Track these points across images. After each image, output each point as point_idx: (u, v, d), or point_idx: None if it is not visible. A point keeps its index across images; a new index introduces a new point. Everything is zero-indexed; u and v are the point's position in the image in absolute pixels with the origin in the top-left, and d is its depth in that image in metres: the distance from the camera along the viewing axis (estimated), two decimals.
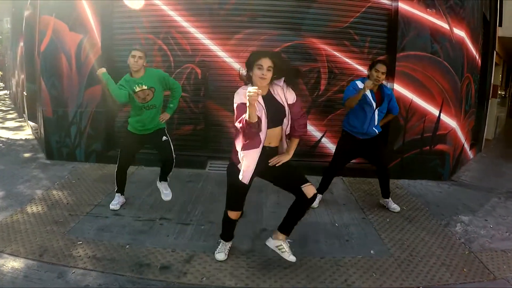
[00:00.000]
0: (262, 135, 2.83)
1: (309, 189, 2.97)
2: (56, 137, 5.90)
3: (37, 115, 6.95)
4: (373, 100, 4.19)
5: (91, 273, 3.05)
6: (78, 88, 5.71)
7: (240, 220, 3.89)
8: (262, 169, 2.99)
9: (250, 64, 2.84)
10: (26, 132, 8.31)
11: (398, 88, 5.53)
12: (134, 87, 3.96)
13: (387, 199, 4.60)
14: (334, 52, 5.68)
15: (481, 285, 3.17)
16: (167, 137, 4.28)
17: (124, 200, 4.42)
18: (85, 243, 3.48)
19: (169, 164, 4.34)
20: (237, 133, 2.90)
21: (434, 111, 5.65)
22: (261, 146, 2.85)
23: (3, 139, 7.56)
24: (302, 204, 3.04)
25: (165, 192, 4.44)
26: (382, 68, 4.13)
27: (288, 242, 3.21)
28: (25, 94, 8.67)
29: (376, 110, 4.21)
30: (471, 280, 3.22)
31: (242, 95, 2.75)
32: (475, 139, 8.09)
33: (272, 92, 2.96)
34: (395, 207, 4.55)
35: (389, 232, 4.00)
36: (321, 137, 5.93)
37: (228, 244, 3.40)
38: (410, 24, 5.47)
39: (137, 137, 4.20)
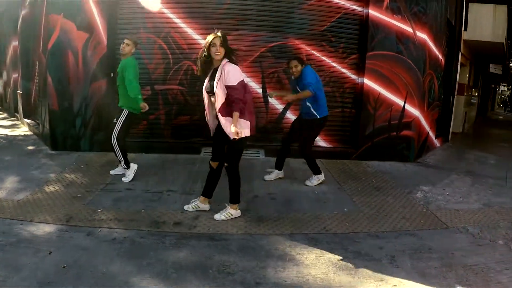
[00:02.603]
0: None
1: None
2: (61, 128, 6.24)
3: (39, 110, 7.23)
4: (294, 88, 5.05)
5: (116, 230, 3.60)
6: (83, 82, 6.13)
7: None
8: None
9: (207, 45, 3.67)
10: (23, 129, 8.36)
11: (368, 82, 6.39)
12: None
13: (280, 172, 5.28)
14: (313, 52, 6.46)
15: (435, 231, 3.96)
16: (117, 120, 4.91)
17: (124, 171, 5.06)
18: (105, 210, 4.00)
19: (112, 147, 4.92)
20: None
21: (400, 101, 6.54)
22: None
23: (2, 135, 7.64)
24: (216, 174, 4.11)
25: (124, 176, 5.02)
26: (293, 63, 4.91)
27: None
28: (20, 92, 8.80)
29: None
30: (427, 228, 4.02)
31: (238, 73, 3.69)
32: (442, 131, 9.02)
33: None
34: (269, 177, 5.21)
35: (359, 196, 4.80)
36: None
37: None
38: (378, 27, 6.34)
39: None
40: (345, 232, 3.80)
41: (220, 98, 3.69)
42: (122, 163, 4.98)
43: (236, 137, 3.60)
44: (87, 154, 6.11)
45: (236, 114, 3.59)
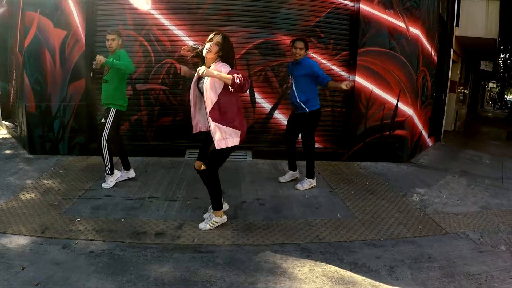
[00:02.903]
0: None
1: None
2: (39, 131, 6.00)
3: (17, 111, 6.99)
4: (291, 73, 4.79)
5: (94, 242, 3.36)
6: (61, 82, 5.87)
7: (224, 196, 4.35)
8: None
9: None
10: (1, 132, 8.10)
11: (359, 80, 6.15)
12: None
13: (294, 172, 5.10)
14: None
15: (434, 238, 3.75)
16: (106, 120, 4.58)
17: (124, 177, 4.90)
18: (82, 220, 3.75)
19: (100, 149, 4.62)
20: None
21: (392, 100, 6.32)
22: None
23: None
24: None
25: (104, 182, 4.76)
26: (299, 44, 4.63)
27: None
28: None
29: (292, 80, 4.77)
30: (426, 234, 3.81)
31: (224, 68, 3.34)
32: (435, 129, 8.85)
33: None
34: (297, 186, 4.87)
35: (353, 201, 4.57)
36: None
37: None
38: (370, 23, 6.10)
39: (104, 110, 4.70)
40: (340, 240, 3.57)
41: (210, 101, 3.38)
42: (107, 168, 4.69)
43: (222, 146, 3.39)
44: (66, 158, 5.88)
45: (227, 76, 3.22)
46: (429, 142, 8.22)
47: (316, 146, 4.95)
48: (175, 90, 6.13)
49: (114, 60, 4.27)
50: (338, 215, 4.13)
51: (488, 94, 43.21)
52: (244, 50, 6.11)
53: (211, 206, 3.73)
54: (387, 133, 6.37)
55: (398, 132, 6.42)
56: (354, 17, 6.22)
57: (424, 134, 7.65)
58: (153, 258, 3.14)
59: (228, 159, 3.68)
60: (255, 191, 4.69)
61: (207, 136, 3.64)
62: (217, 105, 3.37)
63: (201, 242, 3.44)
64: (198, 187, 4.68)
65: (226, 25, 5.98)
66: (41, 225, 3.62)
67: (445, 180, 5.71)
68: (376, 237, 3.67)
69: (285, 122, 6.25)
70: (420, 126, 7.21)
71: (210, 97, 3.36)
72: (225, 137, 3.41)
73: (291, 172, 5.10)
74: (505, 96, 40.48)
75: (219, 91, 3.35)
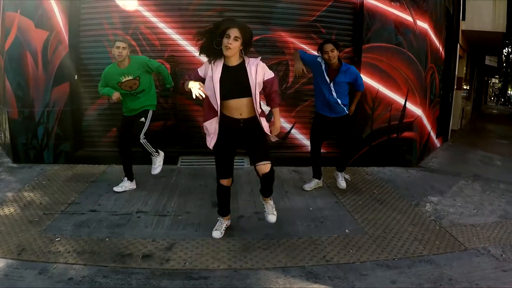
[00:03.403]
0: (216, 106, 3.07)
1: (261, 168, 3.17)
2: (22, 139, 5.69)
3: (0, 118, 6.63)
4: (327, 76, 4.38)
5: (73, 266, 3.02)
6: (44, 87, 5.54)
7: (216, 209, 3.96)
8: (238, 139, 3.22)
9: (217, 33, 2.98)
10: None
11: (364, 78, 5.63)
12: (120, 78, 4.27)
13: (339, 172, 4.78)
14: (302, 45, 5.76)
15: (453, 255, 3.37)
16: (145, 118, 4.51)
17: (133, 187, 4.72)
18: (63, 240, 3.41)
19: (140, 147, 4.54)
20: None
21: (400, 99, 5.88)
22: (218, 116, 3.11)
23: None
24: (261, 181, 3.28)
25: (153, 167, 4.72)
26: (328, 47, 4.28)
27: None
28: None
29: (331, 84, 4.37)
30: (443, 251, 3.42)
31: (203, 69, 3.14)
32: (442, 129, 8.45)
33: (244, 64, 3.11)
34: (342, 183, 4.69)
35: (362, 213, 4.15)
36: (291, 129, 6.01)
37: (225, 222, 3.57)
38: (375, 17, 5.67)
39: (125, 117, 4.57)
40: (349, 261, 3.16)
41: (258, 98, 3.13)
42: (154, 152, 4.66)
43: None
44: (51, 167, 5.53)
45: (277, 109, 3.25)
46: (437, 143, 7.82)
47: (321, 150, 4.64)
48: (166, 92, 5.73)
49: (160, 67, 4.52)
50: (346, 230, 3.71)
51: (491, 90, 42.82)
52: None
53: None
54: (395, 135, 5.94)
55: (407, 134, 5.99)
56: (358, 11, 5.79)
57: (433, 135, 7.23)
58: (139, 287, 2.77)
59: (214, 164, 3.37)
60: (253, 203, 4.27)
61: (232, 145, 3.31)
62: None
63: (193, 266, 3.04)
64: (190, 199, 4.36)
65: None
66: (18, 245, 3.29)
67: (458, 186, 5.31)
68: (389, 257, 3.26)
69: (287, 125, 5.95)
70: (428, 126, 6.80)
71: (257, 95, 3.14)
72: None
73: (316, 180, 4.79)
74: (508, 91, 40.05)
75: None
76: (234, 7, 5.62)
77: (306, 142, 5.85)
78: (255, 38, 5.57)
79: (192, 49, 5.65)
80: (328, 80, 4.36)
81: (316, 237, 3.54)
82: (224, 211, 3.55)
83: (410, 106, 5.92)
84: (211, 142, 3.24)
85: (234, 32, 2.94)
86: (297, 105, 5.98)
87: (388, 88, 5.81)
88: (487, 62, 15.07)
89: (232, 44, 2.94)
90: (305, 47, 5.71)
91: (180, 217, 3.90)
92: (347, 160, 4.85)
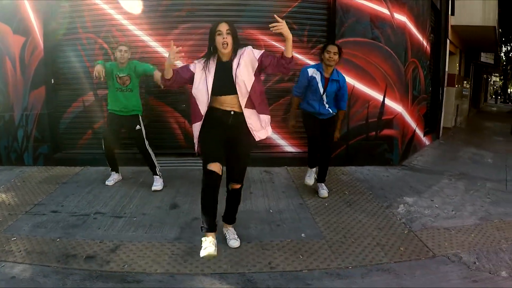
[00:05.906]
0: (203, 106, 3.01)
1: (232, 185, 3.19)
2: (4, 142, 5.78)
3: None
4: (322, 85, 4.21)
5: (20, 265, 3.02)
6: (23, 91, 5.62)
7: (173, 211, 3.90)
8: (228, 134, 3.09)
9: (212, 35, 3.03)
10: None
11: None
12: (118, 73, 4.56)
13: (319, 183, 4.56)
14: (273, 43, 5.61)
15: (418, 263, 3.10)
16: (140, 126, 4.68)
17: (120, 178, 4.97)
18: (18, 239, 3.42)
19: (145, 157, 4.72)
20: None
21: (378, 96, 5.69)
22: (202, 119, 3.04)
23: None
24: (227, 199, 3.29)
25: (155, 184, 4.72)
26: (333, 48, 4.14)
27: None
28: None
29: (324, 95, 4.22)
30: (407, 259, 3.16)
31: (194, 66, 3.10)
32: (432, 127, 8.19)
33: (232, 61, 3.03)
34: (323, 192, 4.46)
35: (325, 216, 3.97)
36: None
37: (210, 237, 2.94)
38: (349, 11, 5.50)
39: (116, 117, 4.67)
40: (296, 269, 2.97)
41: (247, 95, 3.02)
42: (157, 169, 4.77)
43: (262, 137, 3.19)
44: (29, 169, 5.58)
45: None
46: (426, 140, 7.56)
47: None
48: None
49: (150, 66, 4.65)
50: (303, 234, 3.52)
51: (491, 88, 41.66)
52: None
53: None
54: (374, 133, 5.75)
55: (387, 131, 5.79)
56: (331, 5, 5.62)
57: (419, 132, 6.99)
58: None
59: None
60: None
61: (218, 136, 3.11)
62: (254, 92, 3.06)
63: (131, 269, 2.96)
64: (151, 200, 4.30)
65: (188, 21, 5.53)
66: None
67: (440, 186, 5.06)
68: (342, 264, 3.05)
69: None
70: (413, 124, 6.58)
71: (249, 82, 3.03)
72: (264, 125, 3.16)
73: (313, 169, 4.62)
74: (508, 89, 39.05)
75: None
76: (203, 6, 5.54)
77: (279, 141, 5.73)
78: None
79: (162, 50, 5.62)
80: (322, 91, 4.20)
81: (266, 242, 3.38)
82: (209, 222, 2.96)
83: (389, 102, 5.72)
84: (197, 133, 3.11)
85: (224, 27, 2.98)
86: (269, 104, 5.80)
87: (365, 84, 5.62)
88: (483, 59, 14.69)
89: (227, 38, 2.96)
90: (277, 44, 5.56)
91: (134, 219, 3.83)
92: (327, 169, 4.56)
